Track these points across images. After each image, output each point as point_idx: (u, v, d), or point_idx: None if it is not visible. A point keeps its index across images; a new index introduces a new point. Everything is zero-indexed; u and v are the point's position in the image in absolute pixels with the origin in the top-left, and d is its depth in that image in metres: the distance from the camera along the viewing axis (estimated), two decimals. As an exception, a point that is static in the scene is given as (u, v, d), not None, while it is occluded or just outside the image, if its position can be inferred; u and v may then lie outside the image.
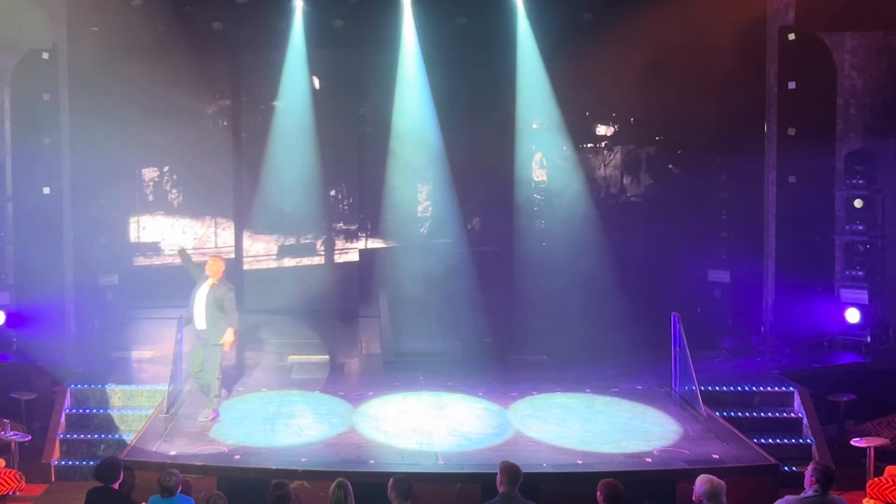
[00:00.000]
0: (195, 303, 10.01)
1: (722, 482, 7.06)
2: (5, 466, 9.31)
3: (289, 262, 15.39)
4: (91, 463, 9.77)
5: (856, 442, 9.89)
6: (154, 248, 15.19)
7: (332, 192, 15.23)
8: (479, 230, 14.90)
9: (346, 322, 14.47)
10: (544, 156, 14.58)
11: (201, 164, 14.79)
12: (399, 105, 14.09)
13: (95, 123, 13.21)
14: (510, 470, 7.16)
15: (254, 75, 14.76)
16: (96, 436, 10.42)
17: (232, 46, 14.27)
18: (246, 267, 15.10)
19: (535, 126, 14.62)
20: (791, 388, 10.88)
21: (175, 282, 14.76)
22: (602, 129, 15.70)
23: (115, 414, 10.70)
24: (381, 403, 10.72)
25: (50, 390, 11.00)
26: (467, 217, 14.66)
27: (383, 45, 13.91)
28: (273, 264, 15.39)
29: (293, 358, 12.58)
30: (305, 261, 15.43)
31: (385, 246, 15.00)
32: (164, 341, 12.93)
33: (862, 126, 12.92)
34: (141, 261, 15.14)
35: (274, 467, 8.60)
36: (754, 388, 10.95)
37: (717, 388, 10.95)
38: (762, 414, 10.69)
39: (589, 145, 15.51)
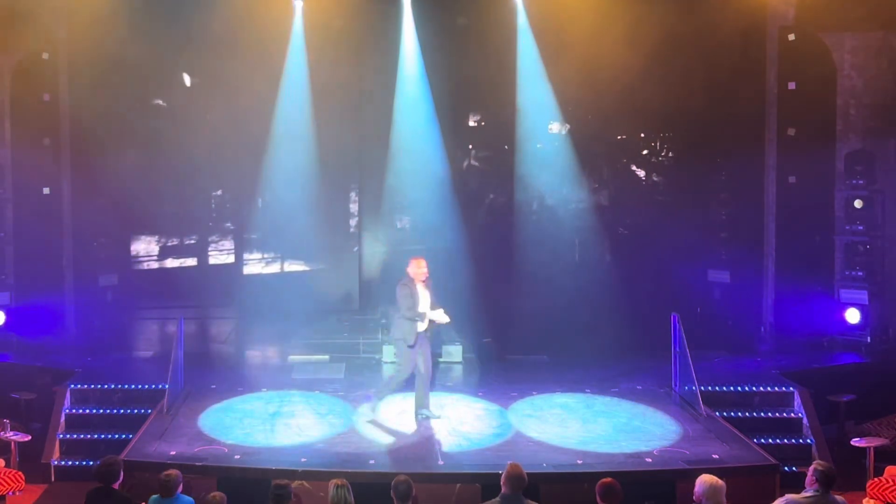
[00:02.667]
0: (421, 307, 9.99)
1: (722, 482, 7.06)
2: (5, 466, 9.31)
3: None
4: (91, 463, 9.79)
5: (856, 442, 9.89)
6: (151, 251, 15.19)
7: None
8: (480, 231, 14.87)
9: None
10: (543, 155, 14.54)
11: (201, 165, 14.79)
12: (399, 105, 14.08)
13: (95, 123, 13.20)
14: (514, 477, 7.13)
15: (253, 75, 14.73)
16: (96, 436, 10.42)
17: (231, 46, 14.25)
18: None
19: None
20: (791, 388, 10.88)
21: (174, 283, 14.86)
22: (599, 130, 15.69)
23: (115, 414, 10.70)
24: (381, 403, 10.71)
25: (50, 390, 11.00)
26: (468, 218, 14.63)
27: (383, 45, 13.90)
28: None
29: (293, 358, 12.59)
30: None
31: (384, 249, 14.95)
32: (163, 342, 12.99)
33: (862, 126, 12.91)
34: (141, 262, 15.12)
35: (274, 467, 8.61)
36: (754, 388, 10.96)
37: (717, 388, 10.95)
38: (762, 414, 10.70)
39: (588, 145, 15.51)
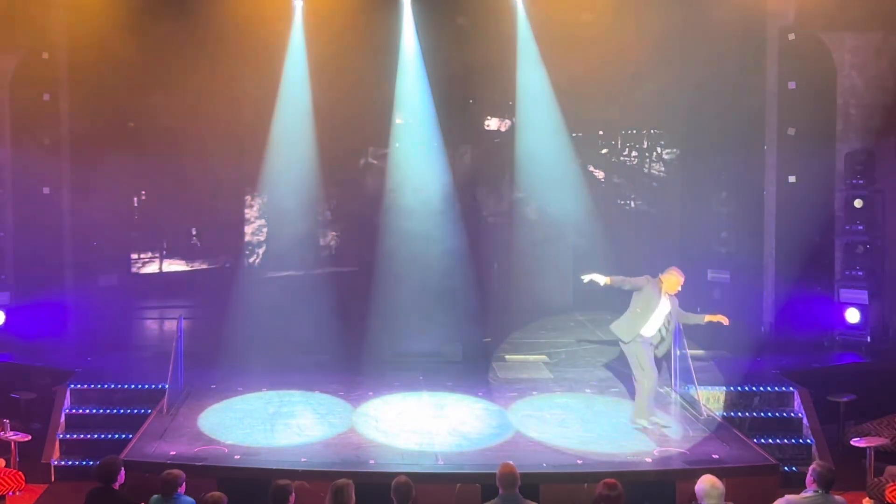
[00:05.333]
0: (653, 314, 9.68)
1: (721, 483, 7.06)
2: (5, 466, 9.31)
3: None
4: (91, 463, 9.78)
5: (856, 442, 9.90)
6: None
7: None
8: (480, 231, 14.89)
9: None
10: (542, 154, 14.54)
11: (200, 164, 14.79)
12: (399, 104, 14.08)
13: (95, 123, 13.20)
14: (504, 475, 7.16)
15: (254, 75, 14.73)
16: (96, 436, 10.41)
17: (233, 47, 14.24)
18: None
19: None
20: (791, 388, 10.88)
21: (173, 283, 14.88)
22: (599, 130, 15.72)
23: (115, 414, 10.70)
24: (381, 403, 10.72)
25: (50, 390, 10.99)
26: (468, 218, 14.64)
27: (383, 45, 13.90)
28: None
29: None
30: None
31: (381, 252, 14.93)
32: (163, 341, 12.98)
33: (862, 126, 12.89)
34: (141, 262, 15.13)
35: (274, 467, 8.61)
36: (754, 388, 10.95)
37: (716, 388, 10.95)
38: (762, 414, 10.69)
39: (588, 145, 15.56)
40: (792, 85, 12.96)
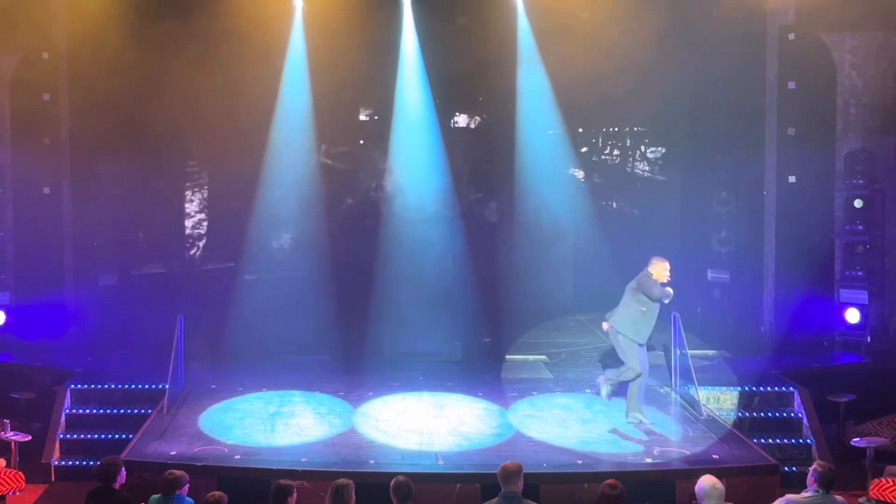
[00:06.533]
0: (654, 309, 9.98)
1: (721, 483, 7.06)
2: (5, 466, 9.30)
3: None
4: (91, 463, 9.79)
5: (856, 442, 9.91)
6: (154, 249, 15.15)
7: None
8: (480, 230, 14.86)
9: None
10: (543, 154, 14.53)
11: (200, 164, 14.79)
12: (399, 104, 14.08)
13: (95, 123, 13.20)
14: (504, 469, 7.16)
15: (254, 75, 14.73)
16: (96, 436, 10.42)
17: (233, 47, 14.24)
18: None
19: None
20: (791, 388, 10.89)
21: (175, 283, 14.85)
22: (598, 129, 15.71)
23: (115, 414, 10.70)
24: (381, 403, 10.74)
25: (50, 390, 11.00)
26: (467, 217, 14.63)
27: (383, 45, 13.90)
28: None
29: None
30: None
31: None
32: (163, 342, 12.96)
33: (862, 126, 12.90)
34: (141, 262, 15.09)
35: (274, 467, 8.61)
36: (754, 388, 10.96)
37: (716, 388, 10.95)
38: (762, 414, 10.70)
39: (584, 148, 15.55)
40: (792, 85, 12.95)
